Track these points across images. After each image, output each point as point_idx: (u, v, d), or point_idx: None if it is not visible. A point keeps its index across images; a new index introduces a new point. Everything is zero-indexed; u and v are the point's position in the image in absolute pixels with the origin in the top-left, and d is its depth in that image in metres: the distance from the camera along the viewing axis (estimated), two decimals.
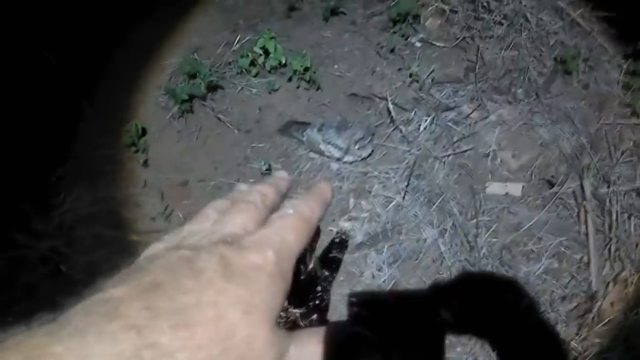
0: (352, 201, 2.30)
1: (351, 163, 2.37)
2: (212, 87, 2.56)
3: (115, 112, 2.54)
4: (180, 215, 2.34)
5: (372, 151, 2.37)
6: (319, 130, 2.32)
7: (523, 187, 2.39)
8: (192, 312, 0.38)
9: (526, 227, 2.29)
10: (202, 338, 0.37)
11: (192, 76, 2.56)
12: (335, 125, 2.33)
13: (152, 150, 2.46)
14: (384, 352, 1.88)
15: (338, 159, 2.36)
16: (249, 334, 0.40)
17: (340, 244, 2.08)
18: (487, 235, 2.25)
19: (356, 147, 2.28)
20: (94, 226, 2.29)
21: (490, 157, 2.43)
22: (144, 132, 2.46)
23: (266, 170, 2.37)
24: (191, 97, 2.48)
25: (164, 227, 2.30)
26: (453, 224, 2.25)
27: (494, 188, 2.37)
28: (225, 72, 2.69)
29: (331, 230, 2.22)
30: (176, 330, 0.36)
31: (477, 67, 2.71)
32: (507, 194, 2.36)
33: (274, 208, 0.54)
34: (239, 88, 2.64)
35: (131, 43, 2.70)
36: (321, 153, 2.36)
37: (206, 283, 0.40)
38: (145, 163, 2.41)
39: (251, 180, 2.40)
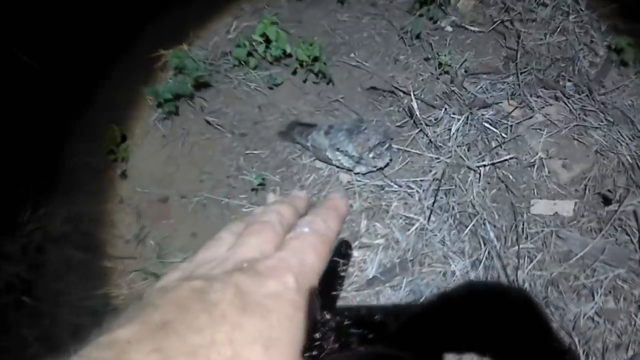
0: (364, 223, 1.85)
1: (365, 174, 1.92)
2: (202, 84, 2.17)
3: (96, 113, 2.19)
4: (152, 243, 1.95)
5: (391, 160, 1.91)
6: (327, 133, 1.86)
7: (575, 204, 1.90)
8: (205, 354, 0.34)
9: (577, 256, 1.83)
10: None
11: (181, 71, 2.12)
12: (345, 127, 1.87)
13: (133, 158, 2.11)
14: None
15: (349, 169, 1.90)
16: None
17: (347, 278, 1.65)
18: (530, 267, 1.81)
19: (371, 154, 1.83)
20: (65, 248, 1.93)
21: (535, 167, 1.95)
22: (124, 138, 2.11)
23: (259, 184, 1.94)
24: (177, 96, 2.10)
25: (137, 253, 1.94)
26: (489, 253, 1.80)
27: (540, 207, 1.88)
28: (220, 65, 2.26)
29: (336, 260, 1.76)
30: None
31: (518, 55, 2.25)
32: (555, 213, 1.88)
33: (292, 229, 0.48)
34: (235, 83, 2.21)
35: (118, 32, 2.31)
36: (328, 162, 1.91)
37: (220, 318, 0.36)
38: (124, 174, 2.06)
39: (242, 196, 1.98)
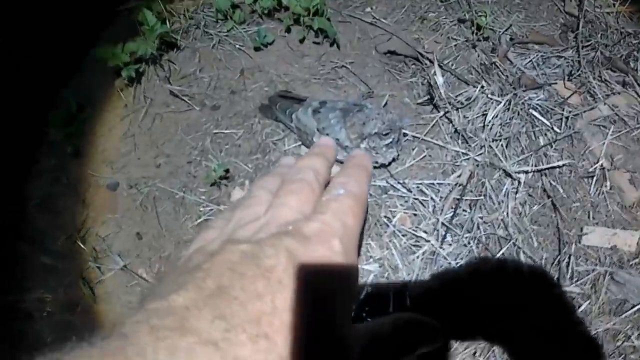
0: None
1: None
2: (170, 44, 1.62)
3: (50, 77, 1.61)
4: (92, 242, 1.41)
5: (399, 154, 1.27)
6: (315, 112, 1.26)
7: None
8: (269, 320, 0.32)
9: (635, 308, 1.25)
10: (283, 348, 0.32)
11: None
12: (340, 106, 1.25)
13: (90, 131, 1.58)
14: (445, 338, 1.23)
15: (341, 163, 1.27)
16: (329, 337, 0.35)
17: None
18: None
19: (372, 144, 1.18)
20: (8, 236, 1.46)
21: (595, 179, 1.34)
22: (80, 108, 1.59)
23: (219, 178, 1.36)
24: (139, 58, 1.56)
25: (77, 251, 1.42)
26: None
27: (595, 236, 1.29)
28: (200, 19, 1.65)
29: None
30: (256, 341, 0.31)
31: (579, 24, 1.63)
32: (614, 247, 1.31)
33: (326, 183, 0.46)
34: (215, 41, 1.61)
35: None
36: None
37: (277, 284, 0.34)
38: (76, 152, 1.55)
39: (201, 189, 1.42)
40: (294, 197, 0.42)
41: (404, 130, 1.25)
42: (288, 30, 1.59)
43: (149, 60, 1.59)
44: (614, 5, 1.68)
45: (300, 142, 1.38)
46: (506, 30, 1.61)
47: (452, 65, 1.52)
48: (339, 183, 0.44)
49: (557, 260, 1.27)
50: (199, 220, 1.35)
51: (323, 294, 0.35)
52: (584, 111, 1.46)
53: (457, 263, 1.24)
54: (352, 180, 0.44)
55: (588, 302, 1.25)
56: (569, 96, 1.48)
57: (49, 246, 1.45)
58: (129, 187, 1.47)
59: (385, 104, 1.44)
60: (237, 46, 1.59)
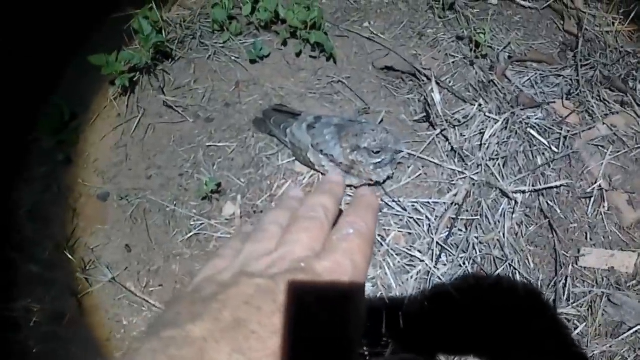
0: None
1: (358, 188, 1.23)
2: (166, 54, 1.57)
3: (43, 83, 1.56)
4: (81, 252, 1.36)
5: (394, 173, 1.22)
6: (310, 127, 1.21)
7: (638, 258, 1.23)
8: (286, 355, 0.32)
9: (631, 331, 1.21)
10: None
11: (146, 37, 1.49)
12: (336, 122, 1.20)
13: (83, 141, 1.51)
14: None
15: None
16: None
17: None
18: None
19: (359, 159, 1.14)
20: None
21: (592, 200, 1.29)
22: (73, 116, 1.53)
23: (211, 192, 1.31)
24: (134, 68, 1.51)
25: (65, 261, 1.35)
26: None
27: (592, 258, 1.25)
28: (196, 29, 1.60)
29: None
30: None
31: (579, 43, 1.59)
32: (611, 269, 1.25)
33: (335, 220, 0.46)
34: (211, 52, 1.56)
35: None
36: (310, 166, 1.23)
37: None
38: (68, 159, 1.48)
39: (192, 203, 1.36)
40: (305, 235, 0.42)
41: (400, 150, 1.20)
42: (284, 43, 1.55)
43: (144, 70, 1.54)
44: (613, 24, 1.64)
45: (294, 158, 1.33)
46: (505, 48, 1.57)
47: (449, 82, 1.48)
48: (348, 223, 0.44)
49: (553, 281, 1.22)
50: (189, 235, 1.30)
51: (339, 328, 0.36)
52: (583, 131, 1.41)
53: (451, 285, 1.18)
54: (360, 220, 0.44)
55: (584, 324, 1.20)
56: (568, 115, 1.43)
57: (37, 255, 1.39)
58: (119, 198, 1.41)
59: (382, 120, 1.39)
60: (233, 58, 1.55)
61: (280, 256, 0.40)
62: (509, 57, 1.56)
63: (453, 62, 1.52)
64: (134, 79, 1.53)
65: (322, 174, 1.28)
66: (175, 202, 1.35)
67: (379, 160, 1.17)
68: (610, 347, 1.19)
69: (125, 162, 1.46)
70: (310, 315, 0.35)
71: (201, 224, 1.31)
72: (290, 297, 0.35)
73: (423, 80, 1.48)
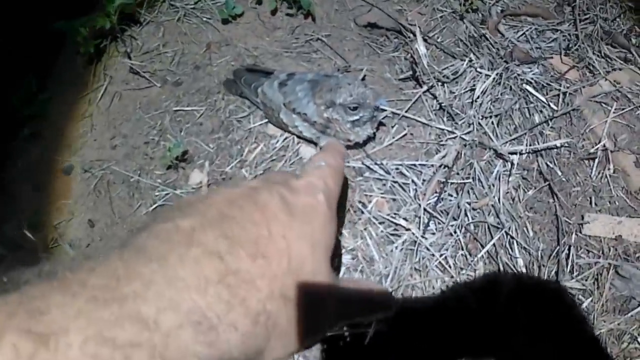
0: None
1: None
2: (133, 17, 1.38)
3: (13, 55, 1.35)
4: (46, 238, 1.19)
5: (375, 132, 1.02)
6: (282, 85, 1.02)
7: None
8: (265, 243, 0.34)
9: None
10: (277, 268, 0.34)
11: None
12: (310, 78, 1.00)
13: (50, 112, 1.34)
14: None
15: (311, 142, 1.03)
16: (314, 269, 0.37)
17: None
18: None
19: (335, 116, 0.94)
20: None
21: (597, 161, 1.10)
22: (41, 87, 1.36)
23: (177, 159, 1.12)
24: (100, 33, 1.32)
25: (28, 241, 1.16)
26: None
27: (598, 225, 1.06)
28: None
29: None
30: (254, 258, 0.33)
31: None
32: (618, 237, 1.06)
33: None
34: (181, 14, 1.38)
35: None
36: (283, 127, 1.04)
37: (272, 216, 0.36)
38: (34, 134, 1.32)
39: (157, 172, 1.18)
40: (279, 173, 0.45)
41: (381, 107, 1.00)
42: (259, 1, 1.36)
43: (110, 35, 1.35)
44: None
45: (266, 120, 1.13)
46: (497, 1, 1.37)
47: (437, 38, 1.29)
48: (319, 158, 0.47)
49: (555, 252, 1.03)
50: (153, 206, 1.12)
51: (310, 231, 0.37)
52: (583, 87, 1.22)
53: (441, 255, 1.00)
54: (330, 157, 0.47)
55: (590, 299, 1.02)
56: (567, 71, 1.24)
57: (2, 235, 1.22)
58: (83, 171, 1.23)
59: (363, 78, 1.19)
60: (204, 19, 1.36)
61: (262, 178, 0.42)
62: (502, 11, 1.36)
63: (441, 17, 1.33)
64: (101, 46, 1.35)
65: (296, 135, 1.09)
66: (139, 172, 1.18)
67: (357, 117, 0.98)
68: (619, 324, 1.01)
69: (90, 133, 1.30)
70: (289, 214, 0.37)
71: (166, 194, 1.13)
72: (269, 199, 0.37)
73: (409, 37, 1.29)
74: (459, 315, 0.97)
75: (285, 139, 1.12)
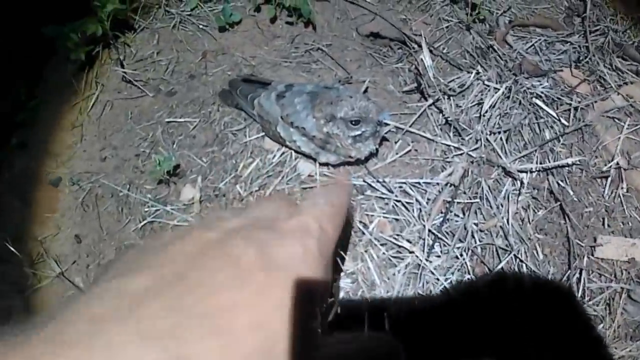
0: None
1: (336, 167, 0.99)
2: (127, 24, 1.33)
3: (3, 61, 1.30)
4: (31, 253, 1.12)
5: (378, 148, 0.97)
6: (280, 97, 0.96)
7: None
8: (227, 317, 0.27)
9: None
10: (242, 348, 0.27)
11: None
12: (309, 90, 0.95)
13: (38, 121, 1.28)
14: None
15: (310, 157, 0.98)
16: (292, 348, 0.29)
17: None
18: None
19: (336, 131, 0.91)
20: None
21: (609, 179, 1.05)
22: (31, 95, 1.30)
23: (168, 174, 1.07)
24: (92, 39, 1.26)
25: (12, 256, 1.09)
26: None
27: (611, 248, 1.01)
28: None
29: None
30: (209, 338, 0.26)
31: (586, 7, 1.36)
32: (632, 260, 1.01)
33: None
34: (177, 21, 1.33)
35: None
36: (280, 141, 0.99)
37: (245, 275, 0.29)
38: (22, 143, 1.26)
39: (148, 186, 1.13)
40: (271, 203, 0.40)
41: (385, 121, 0.95)
42: (258, 9, 1.31)
43: (102, 42, 1.30)
44: None
45: (263, 133, 1.08)
46: (505, 12, 1.32)
47: (443, 49, 1.24)
48: (320, 194, 0.42)
49: (566, 275, 0.98)
50: (142, 223, 1.07)
51: (289, 297, 0.30)
52: (595, 101, 1.17)
53: (446, 279, 0.94)
54: (332, 194, 0.42)
55: (602, 325, 0.96)
56: (577, 85, 1.20)
57: None
58: (71, 184, 1.18)
59: (366, 90, 1.15)
60: (201, 26, 1.31)
61: (247, 215, 0.37)
62: (510, 22, 1.31)
63: (447, 27, 1.28)
64: (92, 53, 1.30)
65: (294, 150, 1.03)
66: (129, 186, 1.12)
67: (359, 132, 0.93)
68: (630, 351, 0.96)
69: (80, 143, 1.25)
70: (266, 272, 0.30)
71: (156, 211, 1.07)
72: (242, 250, 0.31)
73: (413, 48, 1.24)
74: (467, 340, 0.92)
75: (283, 153, 1.07)
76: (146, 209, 1.08)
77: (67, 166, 1.22)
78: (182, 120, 1.17)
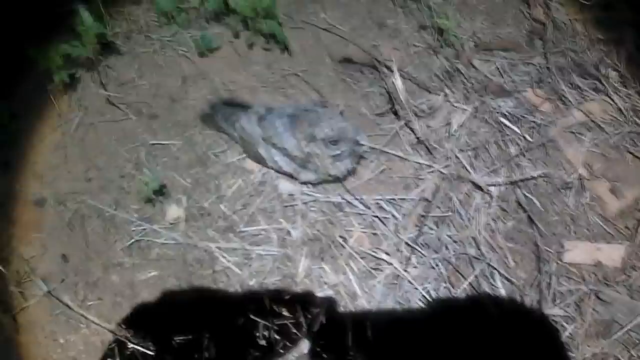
0: (304, 263, 1.04)
1: (315, 185, 1.05)
2: (110, 47, 1.39)
3: None
4: (17, 272, 1.14)
5: (356, 166, 1.03)
6: (261, 119, 1.02)
7: (625, 250, 1.05)
8: None
9: (624, 329, 1.04)
10: None
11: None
12: (289, 112, 1.01)
13: (22, 142, 1.31)
14: None
15: (291, 176, 1.04)
16: None
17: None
18: None
19: (316, 151, 0.95)
20: None
21: (573, 190, 1.12)
22: (13, 116, 1.33)
23: (154, 194, 1.11)
24: (75, 62, 1.33)
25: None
26: None
27: (578, 253, 1.09)
28: (143, 23, 1.43)
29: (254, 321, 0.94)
30: None
31: (547, 30, 1.46)
32: (598, 263, 1.08)
33: None
34: (157, 46, 1.40)
35: None
36: (262, 162, 1.05)
37: None
38: (6, 164, 1.28)
39: (133, 206, 1.17)
40: None
41: (361, 141, 1.02)
42: (236, 35, 1.38)
43: (85, 65, 1.36)
44: (581, 10, 1.50)
45: (245, 154, 1.15)
46: (471, 37, 1.42)
47: (412, 73, 1.32)
48: None
49: (536, 280, 1.05)
50: (129, 242, 1.11)
51: None
52: (557, 118, 1.26)
53: (424, 288, 1.00)
54: None
55: (573, 325, 1.02)
56: (540, 104, 1.29)
57: None
58: (57, 204, 1.21)
59: (341, 113, 1.22)
60: (181, 52, 1.38)
61: None
62: (475, 46, 1.41)
63: (416, 52, 1.37)
64: (75, 75, 1.35)
65: (275, 170, 1.10)
66: (115, 206, 1.16)
67: (338, 152, 1.00)
68: (602, 348, 1.02)
69: (64, 164, 1.28)
70: None
71: (143, 230, 1.12)
72: None
73: (384, 73, 1.32)
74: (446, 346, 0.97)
75: (264, 173, 1.13)
76: (133, 228, 1.12)
77: (52, 187, 1.25)
78: (165, 142, 1.22)
